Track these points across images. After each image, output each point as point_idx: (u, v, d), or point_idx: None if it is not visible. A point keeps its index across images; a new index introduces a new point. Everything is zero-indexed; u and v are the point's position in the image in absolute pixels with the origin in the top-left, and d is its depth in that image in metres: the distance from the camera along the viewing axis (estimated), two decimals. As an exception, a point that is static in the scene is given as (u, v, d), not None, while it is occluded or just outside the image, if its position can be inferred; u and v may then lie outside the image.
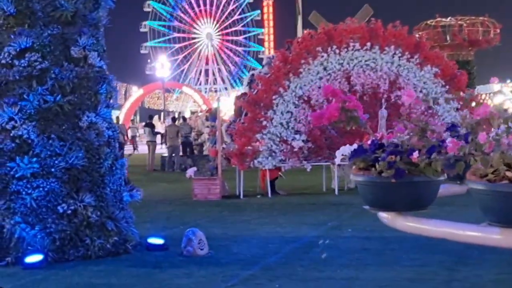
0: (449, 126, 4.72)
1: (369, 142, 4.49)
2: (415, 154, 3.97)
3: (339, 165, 18.76)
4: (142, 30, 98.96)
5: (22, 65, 10.52)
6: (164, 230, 11.94)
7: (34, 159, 10.26)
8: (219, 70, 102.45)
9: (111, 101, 11.55)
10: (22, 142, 10.32)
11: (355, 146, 4.56)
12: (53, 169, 10.32)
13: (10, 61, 10.56)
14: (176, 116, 38.46)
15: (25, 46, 10.55)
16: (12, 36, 10.64)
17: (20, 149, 10.30)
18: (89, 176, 10.60)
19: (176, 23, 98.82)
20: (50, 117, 10.52)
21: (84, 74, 10.88)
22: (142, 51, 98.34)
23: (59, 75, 10.67)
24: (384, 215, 4.32)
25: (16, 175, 10.22)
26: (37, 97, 10.46)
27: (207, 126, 28.60)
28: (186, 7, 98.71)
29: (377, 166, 4.10)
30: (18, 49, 10.55)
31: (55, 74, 10.65)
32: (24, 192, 10.18)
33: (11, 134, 10.31)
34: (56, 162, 10.34)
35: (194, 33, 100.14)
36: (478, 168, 3.86)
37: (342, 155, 4.62)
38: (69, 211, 10.24)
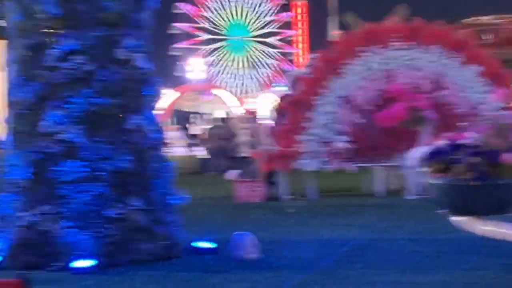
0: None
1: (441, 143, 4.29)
2: (512, 156, 3.76)
3: (383, 166, 18.54)
4: (171, 32, 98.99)
5: (68, 67, 10.39)
6: (211, 233, 11.74)
7: (82, 163, 10.13)
8: (251, 71, 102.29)
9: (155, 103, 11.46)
10: (69, 146, 10.20)
11: (431, 147, 4.36)
12: (101, 173, 10.19)
13: (55, 64, 10.44)
14: (213, 117, 38.32)
15: (71, 48, 10.42)
16: (57, 39, 10.52)
17: (67, 153, 10.17)
18: (137, 180, 10.47)
19: (207, 25, 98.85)
20: (97, 120, 10.38)
21: (129, 76, 10.75)
22: (172, 53, 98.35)
23: (105, 78, 10.54)
24: (461, 220, 4.11)
25: (64, 179, 10.10)
26: (84, 100, 10.33)
27: (245, 128, 28.51)
28: (218, 8, 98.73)
29: (456, 168, 3.90)
30: (63, 52, 10.43)
31: (101, 76, 10.52)
32: (72, 197, 10.06)
33: (58, 138, 10.19)
34: (103, 165, 10.22)
35: (226, 34, 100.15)
36: None
37: (416, 157, 4.43)
38: (118, 216, 10.11)
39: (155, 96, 11.35)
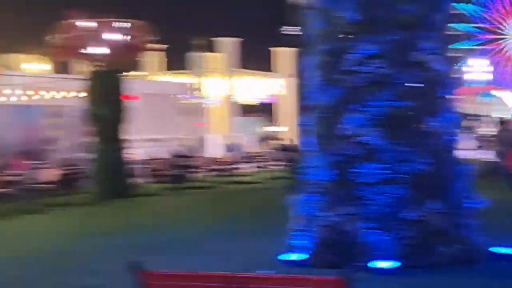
0: None
1: None
2: None
3: None
4: (449, 32, 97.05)
5: (366, 71, 10.58)
6: (509, 239, 11.35)
7: (382, 165, 10.27)
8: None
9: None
10: (369, 149, 10.38)
11: None
12: (400, 175, 10.27)
13: (354, 68, 10.66)
14: (500, 120, 37.14)
15: (369, 52, 10.61)
16: (356, 44, 10.73)
17: (368, 155, 10.36)
18: (435, 182, 10.42)
19: (484, 24, 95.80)
20: (396, 122, 10.47)
21: (425, 78, 10.74)
22: (450, 54, 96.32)
23: (401, 80, 10.62)
24: None
25: (364, 181, 10.30)
26: (383, 103, 10.48)
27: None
28: (497, 5, 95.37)
29: None
30: (362, 56, 10.63)
31: (398, 79, 10.61)
32: (371, 198, 10.24)
33: (359, 140, 10.41)
34: (403, 168, 10.29)
35: (506, 33, 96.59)
36: None
37: None
38: (418, 218, 10.13)
39: (452, 98, 11.24)
